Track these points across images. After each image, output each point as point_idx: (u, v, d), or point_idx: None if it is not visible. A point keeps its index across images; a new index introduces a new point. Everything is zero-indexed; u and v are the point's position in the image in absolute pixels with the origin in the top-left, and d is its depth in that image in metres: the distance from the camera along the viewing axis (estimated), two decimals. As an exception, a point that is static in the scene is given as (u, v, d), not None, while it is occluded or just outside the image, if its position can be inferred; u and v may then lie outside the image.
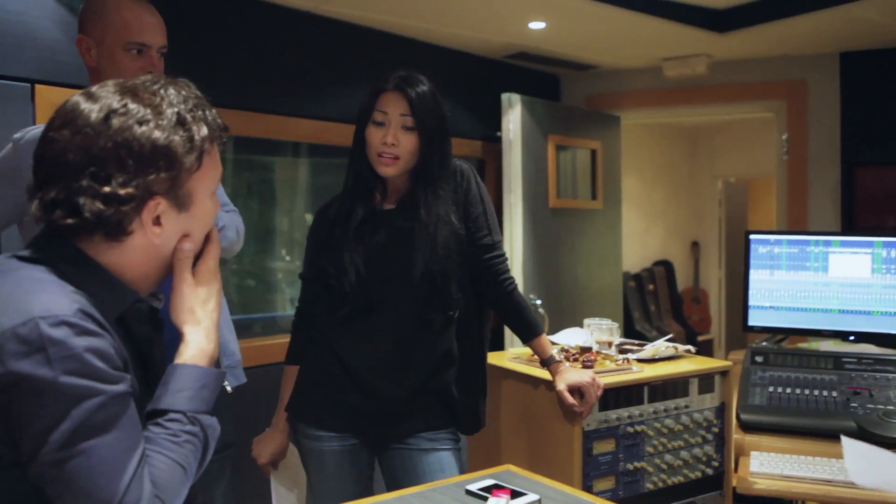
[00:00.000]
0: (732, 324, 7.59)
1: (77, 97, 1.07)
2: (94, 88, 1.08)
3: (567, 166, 4.25)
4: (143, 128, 1.04)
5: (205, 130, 1.10)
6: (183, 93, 1.10)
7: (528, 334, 1.95)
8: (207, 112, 1.12)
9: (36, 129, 1.81)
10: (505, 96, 3.75)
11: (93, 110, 1.04)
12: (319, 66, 3.26)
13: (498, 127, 3.82)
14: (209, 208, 1.16)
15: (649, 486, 2.13)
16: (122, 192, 1.03)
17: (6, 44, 2.33)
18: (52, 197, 1.03)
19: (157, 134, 1.04)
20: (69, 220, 1.03)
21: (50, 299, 0.99)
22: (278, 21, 3.11)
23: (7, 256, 1.08)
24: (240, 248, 2.09)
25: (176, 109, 1.07)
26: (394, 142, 1.76)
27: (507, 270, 1.92)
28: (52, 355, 0.94)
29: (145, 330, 1.16)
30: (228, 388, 1.97)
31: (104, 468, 0.96)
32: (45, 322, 0.95)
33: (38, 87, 2.40)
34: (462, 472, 1.80)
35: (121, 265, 1.09)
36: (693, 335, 6.92)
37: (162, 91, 1.08)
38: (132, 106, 1.05)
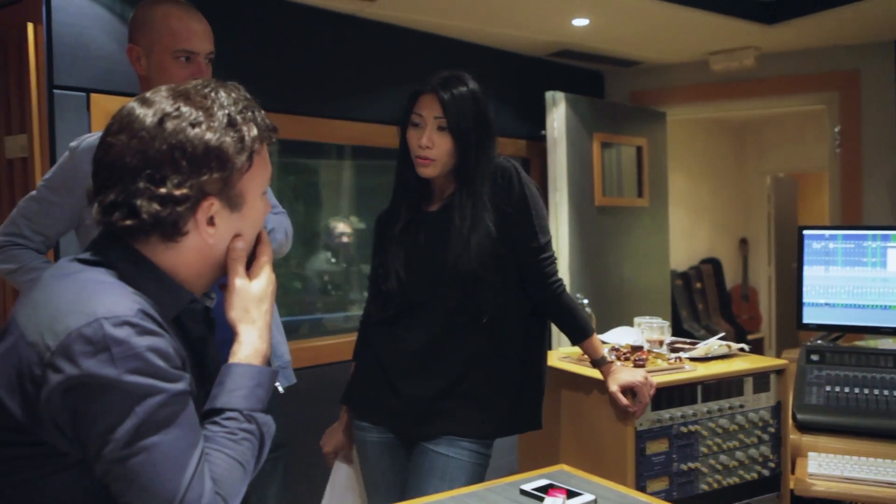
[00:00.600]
0: (783, 322, 7.43)
1: (132, 103, 1.10)
2: (148, 94, 1.11)
3: (612, 164, 4.21)
4: (196, 130, 1.06)
5: (255, 131, 1.12)
6: (233, 95, 1.13)
7: (579, 336, 1.93)
8: (257, 113, 1.14)
9: (91, 137, 1.85)
10: (549, 94, 3.73)
11: (147, 115, 1.07)
12: (364, 68, 3.28)
13: (542, 125, 3.80)
14: (260, 208, 1.18)
15: (704, 486, 2.09)
16: (177, 192, 1.05)
17: (63, 55, 2.40)
18: (111, 200, 1.06)
19: (209, 135, 1.07)
20: (128, 222, 1.06)
21: (112, 300, 1.01)
22: (323, 25, 3.14)
23: (68, 260, 1.12)
24: (288, 250, 2.12)
25: (227, 111, 1.10)
26: (429, 143, 1.78)
27: (556, 272, 1.91)
28: (115, 355, 0.97)
29: (200, 329, 1.19)
30: (280, 389, 2.00)
31: (167, 464, 0.98)
32: (109, 322, 0.98)
33: (93, 96, 2.46)
34: (475, 482, 1.76)
35: (176, 266, 1.12)
36: (743, 334, 6.80)
37: (213, 94, 1.11)
38: (185, 109, 1.08)
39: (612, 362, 1.96)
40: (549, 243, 1.90)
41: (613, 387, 1.90)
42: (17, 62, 2.42)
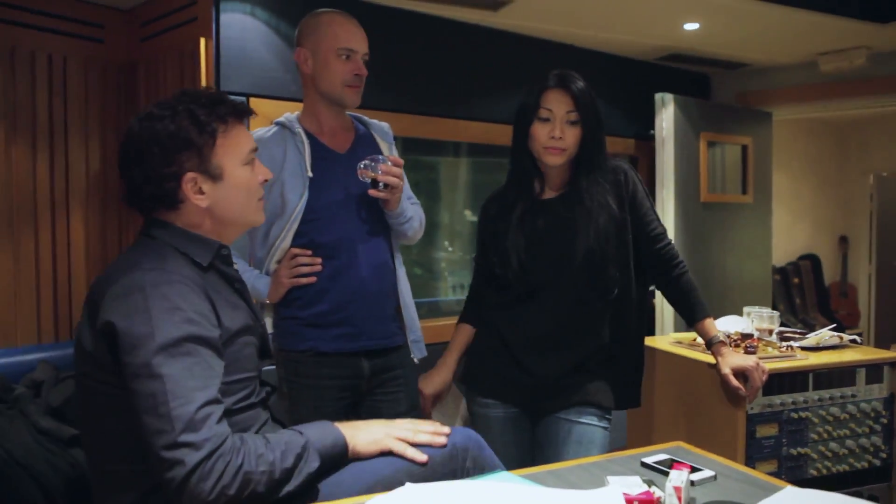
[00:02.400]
0: (883, 319, 6.96)
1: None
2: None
3: (718, 162, 4.05)
4: (161, 123, 1.28)
5: (213, 116, 1.30)
6: (199, 92, 1.32)
7: (699, 315, 1.87)
8: (220, 104, 1.32)
9: (259, 131, 1.95)
10: (658, 96, 3.63)
11: (134, 122, 1.31)
12: (485, 72, 3.30)
13: (650, 125, 3.71)
14: (245, 175, 1.35)
15: (813, 472, 2.00)
16: (160, 173, 1.27)
17: (228, 64, 2.53)
18: (126, 187, 1.32)
19: (171, 126, 1.27)
20: (137, 200, 1.31)
21: (147, 263, 1.24)
22: (451, 34, 3.17)
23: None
24: (420, 237, 2.16)
25: (187, 105, 1.29)
26: (561, 135, 1.76)
27: (678, 255, 1.89)
28: (148, 293, 1.17)
29: (234, 271, 1.39)
30: (416, 360, 2.05)
31: (176, 392, 1.11)
32: (147, 273, 1.20)
33: (252, 100, 2.58)
34: (605, 449, 1.76)
35: (193, 224, 1.33)
36: (841, 329, 6.38)
37: (180, 96, 1.31)
38: (154, 110, 1.30)
39: (723, 343, 1.88)
40: (666, 232, 1.88)
41: (725, 369, 1.83)
42: (191, 71, 2.57)
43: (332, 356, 1.88)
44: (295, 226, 1.85)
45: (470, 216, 3.89)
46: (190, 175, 1.29)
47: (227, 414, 1.23)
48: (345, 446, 1.29)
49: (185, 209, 1.32)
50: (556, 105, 1.78)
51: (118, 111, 2.90)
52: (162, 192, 1.29)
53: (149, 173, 1.27)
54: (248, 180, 1.36)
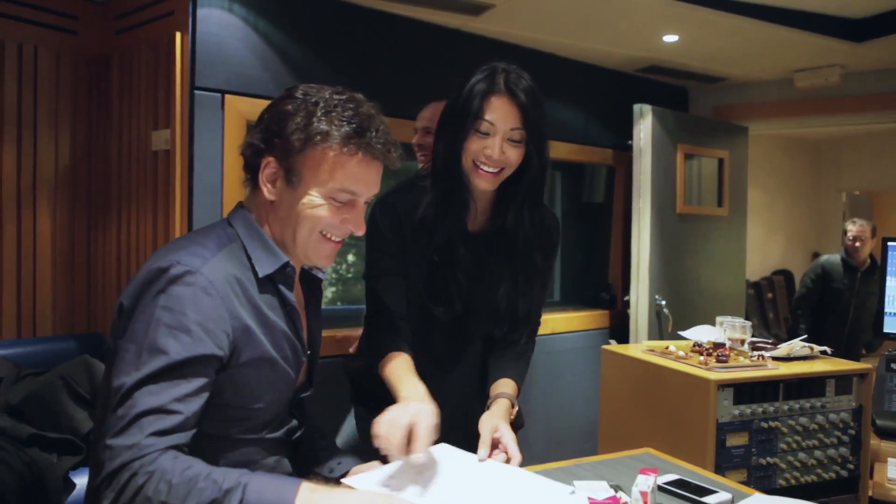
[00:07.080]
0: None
1: None
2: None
3: (694, 174, 4.08)
4: (286, 105, 1.17)
5: (325, 127, 1.14)
6: (340, 97, 1.17)
7: (507, 373, 1.55)
8: (351, 123, 1.15)
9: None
10: (637, 107, 3.64)
11: (290, 89, 1.22)
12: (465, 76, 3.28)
13: (628, 136, 3.72)
14: (314, 204, 1.16)
15: (781, 482, 2.00)
16: (252, 140, 1.19)
17: (204, 60, 2.48)
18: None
19: (288, 107, 1.16)
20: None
21: (193, 252, 1.12)
22: (430, 37, 3.16)
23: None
24: None
25: (320, 105, 1.16)
26: (500, 157, 1.42)
27: (535, 333, 1.65)
28: (163, 288, 1.07)
29: (291, 298, 1.21)
30: None
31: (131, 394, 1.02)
32: (174, 267, 1.08)
33: (227, 96, 2.54)
34: None
35: (260, 218, 1.21)
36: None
37: (326, 94, 1.18)
38: (299, 93, 1.19)
39: (511, 401, 1.49)
40: (543, 305, 1.66)
41: (484, 424, 1.38)
42: (165, 65, 2.53)
43: None
44: None
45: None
46: (268, 159, 1.17)
47: (222, 441, 1.12)
48: None
49: (258, 194, 1.20)
50: (501, 117, 1.41)
51: (90, 104, 2.85)
52: (249, 159, 1.21)
53: (251, 136, 1.20)
54: (315, 212, 1.17)
